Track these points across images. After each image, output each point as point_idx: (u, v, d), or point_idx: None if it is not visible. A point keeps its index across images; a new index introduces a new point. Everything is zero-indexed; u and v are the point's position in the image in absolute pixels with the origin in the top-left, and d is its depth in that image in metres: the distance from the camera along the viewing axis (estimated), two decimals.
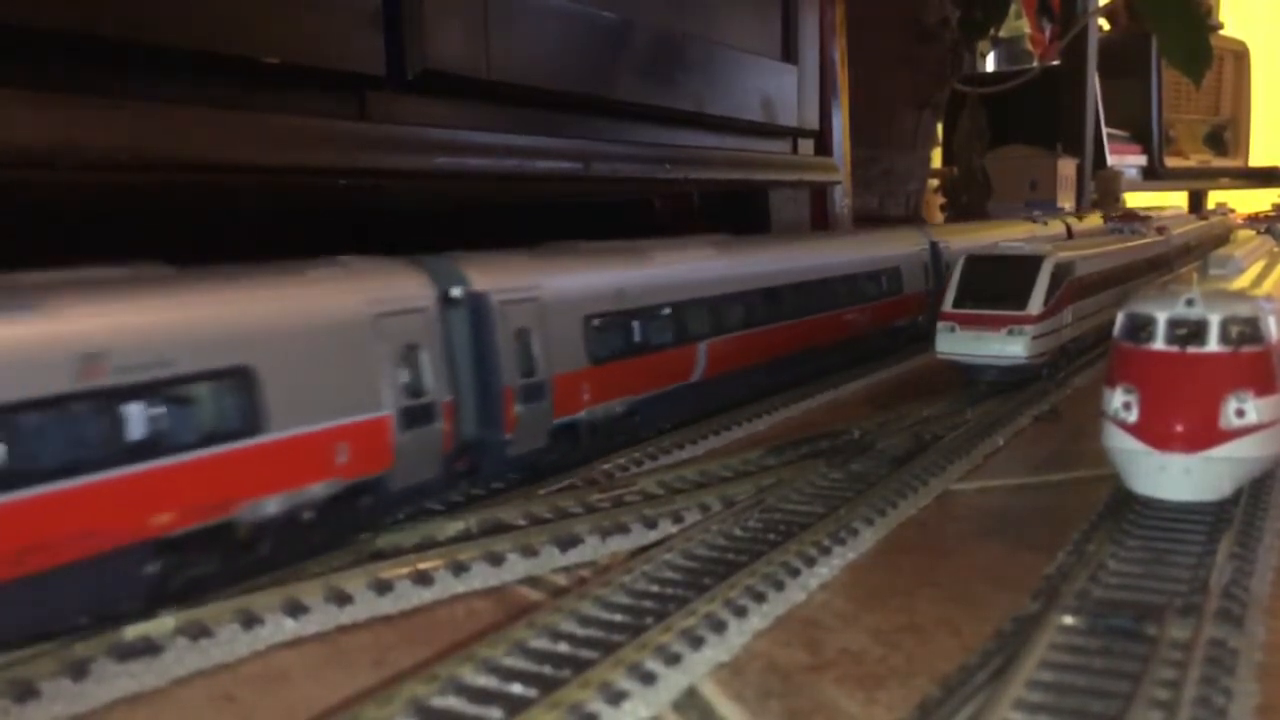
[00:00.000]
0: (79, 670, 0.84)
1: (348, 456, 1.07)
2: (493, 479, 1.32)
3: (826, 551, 1.08)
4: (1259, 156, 7.56)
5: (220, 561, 0.98)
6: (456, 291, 1.22)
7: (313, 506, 1.04)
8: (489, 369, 1.24)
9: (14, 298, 0.87)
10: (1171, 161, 6.74)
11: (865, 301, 2.16)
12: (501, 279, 1.28)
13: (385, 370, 1.10)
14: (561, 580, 1.06)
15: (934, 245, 2.51)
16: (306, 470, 1.03)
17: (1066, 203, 4.77)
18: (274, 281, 1.08)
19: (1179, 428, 1.07)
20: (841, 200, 3.35)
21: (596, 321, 1.41)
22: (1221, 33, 6.97)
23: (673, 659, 0.84)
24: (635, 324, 1.49)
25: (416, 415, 1.13)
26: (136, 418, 0.90)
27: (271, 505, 1.00)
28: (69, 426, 0.85)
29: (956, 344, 1.78)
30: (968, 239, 2.63)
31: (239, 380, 0.98)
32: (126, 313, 0.93)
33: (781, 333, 1.84)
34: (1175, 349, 1.10)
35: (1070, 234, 3.37)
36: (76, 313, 0.89)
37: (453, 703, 0.78)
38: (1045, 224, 3.33)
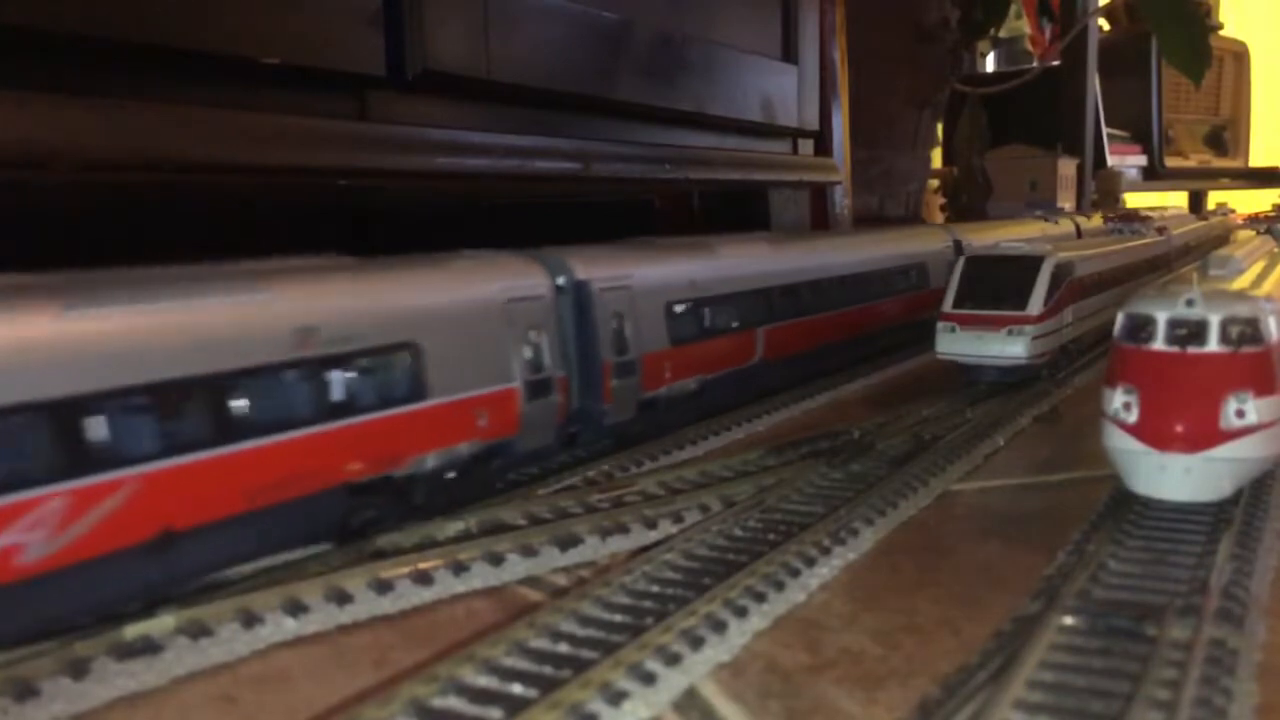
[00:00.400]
0: (79, 669, 0.84)
1: (486, 421, 1.24)
2: (591, 445, 1.48)
3: (826, 552, 1.08)
4: (1259, 157, 7.56)
5: (388, 507, 1.15)
6: (562, 280, 1.39)
7: (457, 464, 1.22)
8: (590, 348, 1.41)
9: (251, 280, 1.05)
10: (1171, 162, 6.74)
11: (898, 294, 2.31)
12: (600, 270, 1.45)
13: (514, 348, 1.29)
14: (561, 580, 1.06)
15: (957, 243, 2.65)
16: (457, 431, 1.21)
17: (1066, 203, 4.77)
18: (429, 271, 1.27)
19: (1179, 428, 1.07)
20: (841, 200, 3.35)
21: (675, 308, 1.58)
22: (1221, 33, 6.97)
23: (673, 659, 0.84)
24: (706, 311, 1.65)
25: (538, 388, 1.31)
26: (337, 383, 1.08)
27: (430, 460, 1.18)
28: (289, 388, 1.04)
29: (957, 344, 1.79)
30: (988, 237, 2.77)
31: (409, 353, 1.16)
32: (328, 295, 1.12)
33: (826, 322, 2.01)
34: (1175, 349, 1.10)
35: (1079, 233, 3.45)
36: (294, 294, 1.08)
37: (453, 703, 0.78)
38: (1056, 223, 3.45)
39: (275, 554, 1.05)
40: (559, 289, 1.37)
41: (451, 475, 1.20)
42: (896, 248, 2.42)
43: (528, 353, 1.29)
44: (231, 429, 0.98)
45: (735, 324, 1.71)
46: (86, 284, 0.93)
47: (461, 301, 1.25)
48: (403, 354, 1.15)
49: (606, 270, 1.46)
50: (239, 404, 0.98)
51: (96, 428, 0.87)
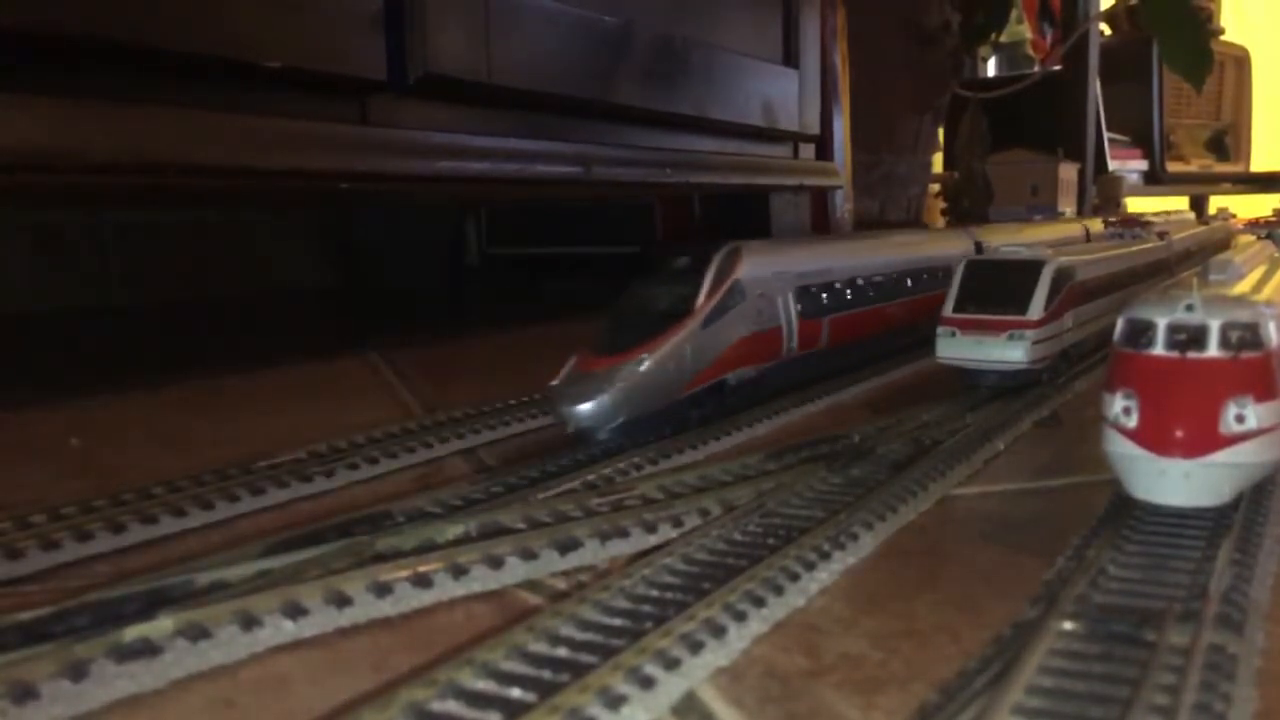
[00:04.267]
0: (78, 671, 0.84)
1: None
2: None
3: (826, 556, 1.08)
4: (1260, 161, 7.56)
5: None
6: (974, 242, 2.57)
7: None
8: None
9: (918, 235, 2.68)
10: (1173, 166, 6.75)
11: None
12: (987, 238, 2.62)
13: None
14: (561, 584, 1.06)
15: (1088, 233, 3.46)
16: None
17: (1068, 207, 4.77)
18: (946, 236, 2.62)
19: (1179, 433, 1.07)
20: (842, 204, 3.36)
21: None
22: (1222, 38, 6.98)
23: (672, 663, 0.84)
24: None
25: None
26: (937, 280, 2.19)
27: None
28: (926, 279, 2.26)
29: (957, 348, 1.78)
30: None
31: (942, 271, 2.17)
32: (931, 244, 2.48)
33: None
34: (1175, 354, 1.09)
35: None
36: (909, 242, 2.48)
37: (451, 707, 0.78)
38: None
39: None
40: (975, 246, 2.52)
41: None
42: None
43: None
44: (907, 292, 2.15)
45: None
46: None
47: (956, 249, 2.41)
48: (945, 270, 2.11)
49: (986, 237, 2.63)
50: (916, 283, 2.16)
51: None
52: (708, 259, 1.52)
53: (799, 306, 1.74)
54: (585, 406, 1.36)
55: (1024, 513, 1.29)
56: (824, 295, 1.83)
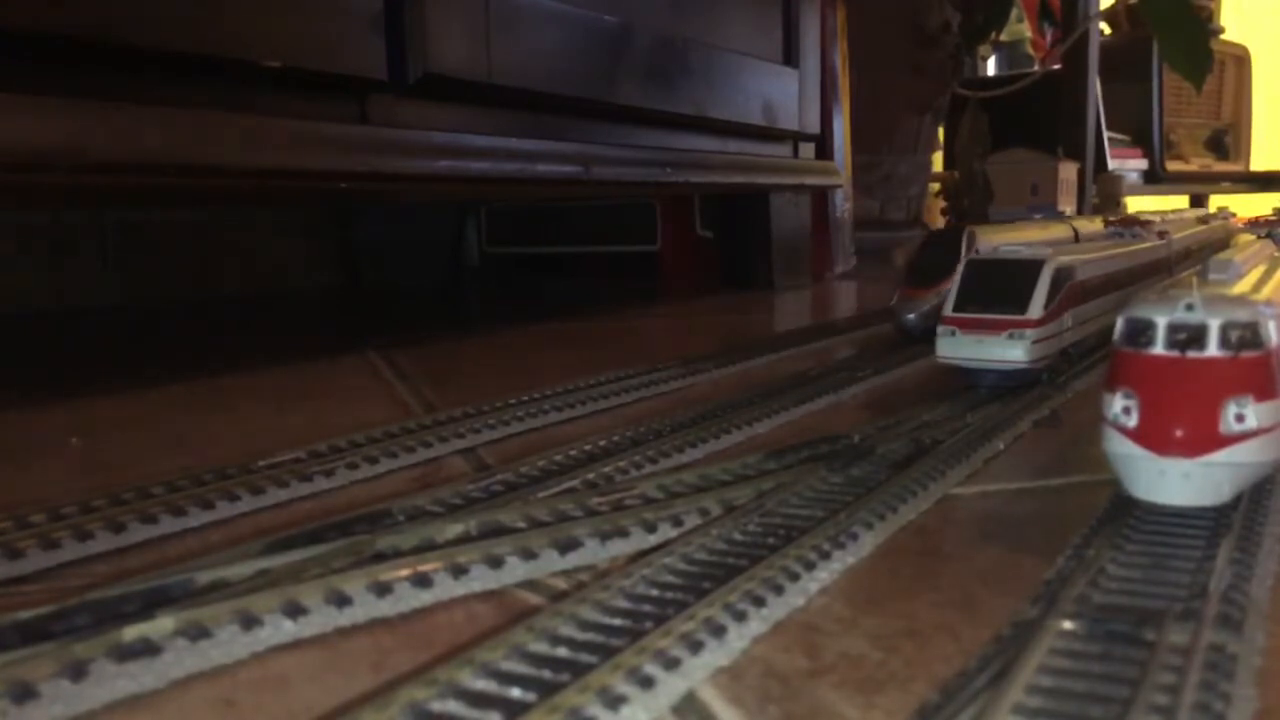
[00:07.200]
0: (78, 671, 0.84)
1: None
2: None
3: (826, 556, 1.08)
4: (1260, 161, 7.56)
5: None
6: (1074, 231, 2.81)
7: None
8: None
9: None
10: (1172, 165, 6.75)
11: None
12: (1080, 226, 2.83)
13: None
14: (561, 584, 1.06)
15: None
16: None
17: (1068, 207, 4.77)
18: (1052, 227, 2.77)
19: (1178, 433, 1.07)
20: (842, 204, 3.36)
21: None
22: (1222, 37, 6.98)
23: (672, 663, 0.84)
24: None
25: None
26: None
27: None
28: None
29: (957, 348, 1.78)
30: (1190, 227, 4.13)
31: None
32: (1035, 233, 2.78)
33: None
34: (1175, 354, 1.09)
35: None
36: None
37: (451, 707, 0.78)
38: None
39: None
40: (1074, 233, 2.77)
41: None
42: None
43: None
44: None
45: None
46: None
47: (1062, 234, 2.68)
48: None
49: (1079, 225, 2.83)
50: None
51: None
52: (960, 235, 2.36)
53: None
54: (912, 315, 2.25)
55: (1024, 512, 1.28)
56: None
